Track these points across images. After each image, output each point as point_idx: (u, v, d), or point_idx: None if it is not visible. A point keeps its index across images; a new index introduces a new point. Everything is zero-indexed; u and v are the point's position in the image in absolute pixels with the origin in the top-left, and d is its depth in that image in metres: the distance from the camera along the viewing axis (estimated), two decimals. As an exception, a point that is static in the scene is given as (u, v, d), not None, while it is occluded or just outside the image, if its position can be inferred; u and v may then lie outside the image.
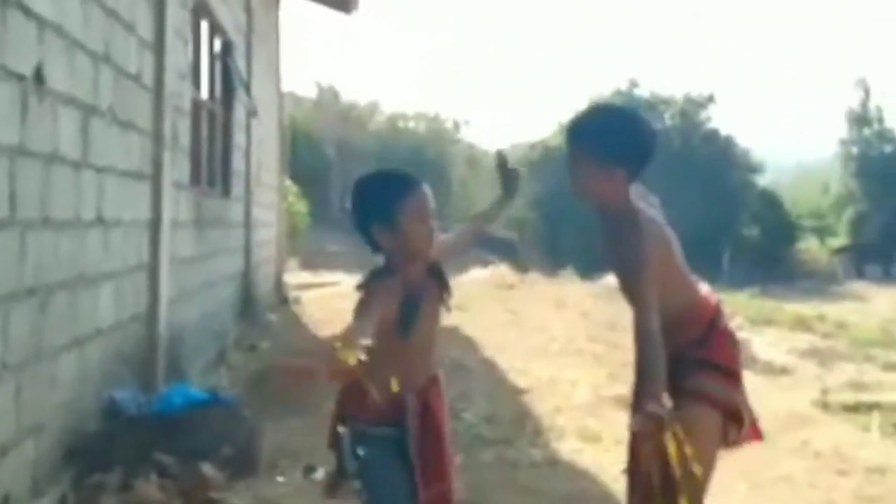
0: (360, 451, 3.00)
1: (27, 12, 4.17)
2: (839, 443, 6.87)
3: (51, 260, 4.52)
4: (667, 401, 3.23)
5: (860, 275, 43.62)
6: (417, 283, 2.99)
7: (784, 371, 10.35)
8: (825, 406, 8.37)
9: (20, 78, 4.11)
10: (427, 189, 3.04)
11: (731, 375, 3.58)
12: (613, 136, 3.40)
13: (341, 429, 3.07)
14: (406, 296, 2.92)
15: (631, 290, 3.37)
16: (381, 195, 2.98)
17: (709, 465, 3.49)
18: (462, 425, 6.91)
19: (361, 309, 2.86)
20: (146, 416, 5.18)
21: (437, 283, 3.09)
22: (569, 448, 6.63)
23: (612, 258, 3.49)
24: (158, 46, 6.71)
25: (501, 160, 3.63)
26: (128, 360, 5.92)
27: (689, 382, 3.49)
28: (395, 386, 2.90)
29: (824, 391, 8.90)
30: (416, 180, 3.05)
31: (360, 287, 2.97)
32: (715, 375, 3.54)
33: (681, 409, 3.41)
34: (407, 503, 2.98)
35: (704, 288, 3.70)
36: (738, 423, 3.57)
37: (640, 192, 3.56)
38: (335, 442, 3.13)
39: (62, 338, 4.69)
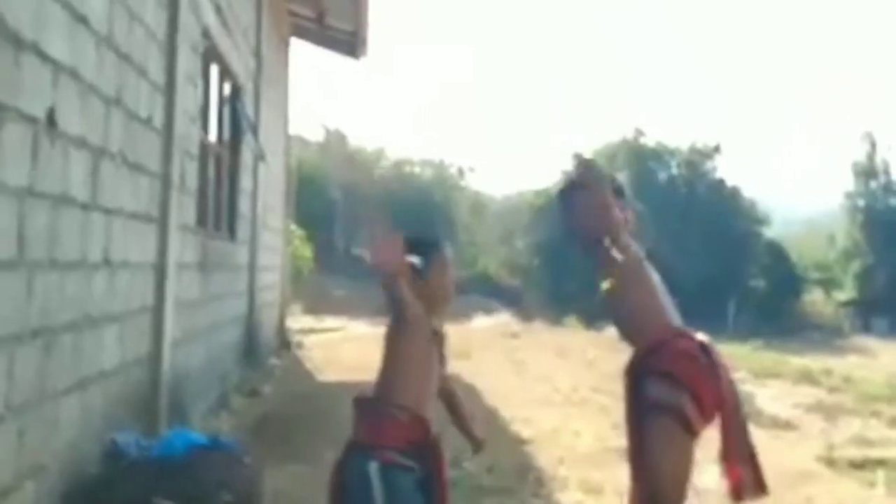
0: (387, 483, 3.15)
1: (43, 57, 4.20)
2: (844, 500, 6.81)
3: (57, 301, 4.51)
4: None
5: (866, 328, 43.52)
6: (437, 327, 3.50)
7: (789, 425, 10.28)
8: (830, 462, 8.30)
9: (33, 120, 4.13)
10: (449, 250, 3.69)
11: (677, 381, 3.82)
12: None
13: (370, 460, 3.19)
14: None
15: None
16: (414, 249, 3.51)
17: (677, 477, 3.75)
18: (463, 475, 6.86)
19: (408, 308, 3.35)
20: (147, 460, 5.14)
21: (439, 343, 3.54)
22: (571, 500, 6.58)
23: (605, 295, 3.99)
24: (169, 90, 6.76)
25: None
26: (130, 403, 5.90)
27: (639, 391, 3.84)
28: (411, 399, 3.30)
29: (830, 447, 8.83)
30: (441, 241, 3.73)
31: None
32: (659, 381, 3.81)
33: (642, 420, 3.83)
34: None
35: (677, 323, 4.06)
36: (688, 429, 3.77)
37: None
38: (348, 472, 3.23)
39: (66, 380, 4.68)
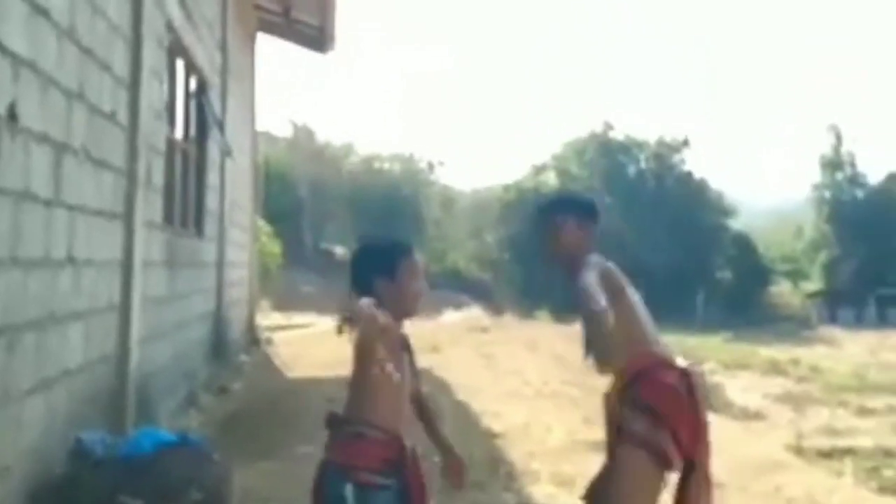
0: (366, 503, 3.14)
1: (2, 49, 4.13)
2: (812, 489, 6.85)
3: (20, 299, 4.44)
4: None
5: (833, 319, 43.92)
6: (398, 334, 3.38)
7: (758, 416, 10.36)
8: (799, 451, 8.36)
9: (-8, 115, 4.06)
10: (420, 256, 3.57)
11: (658, 417, 3.75)
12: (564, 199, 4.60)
13: (345, 482, 3.15)
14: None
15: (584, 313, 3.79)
16: (385, 252, 3.48)
17: None
18: (434, 468, 6.83)
19: (363, 343, 3.11)
20: (114, 459, 5.08)
21: (409, 354, 3.51)
22: (543, 493, 6.57)
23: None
24: (133, 85, 6.68)
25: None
26: (96, 402, 5.83)
27: (623, 418, 3.82)
28: (383, 416, 3.23)
29: (798, 436, 8.89)
30: (409, 245, 3.57)
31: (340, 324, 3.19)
32: (640, 414, 3.77)
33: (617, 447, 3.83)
34: None
35: (664, 348, 4.05)
36: (664, 465, 3.76)
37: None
38: (324, 496, 3.21)
39: (30, 379, 4.61)
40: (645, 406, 3.76)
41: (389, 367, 3.05)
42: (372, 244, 3.68)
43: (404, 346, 3.45)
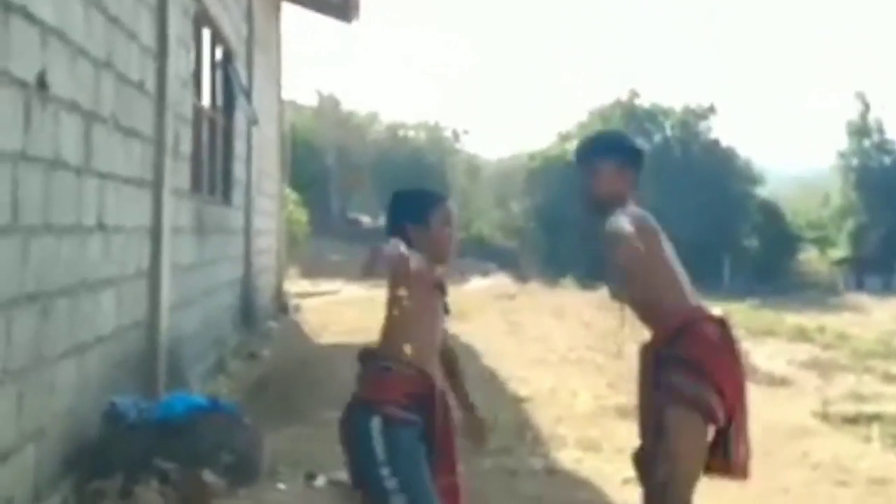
0: (388, 438, 3.15)
1: (30, 18, 4.17)
2: (839, 454, 6.86)
3: (52, 266, 4.51)
4: None
5: (860, 286, 43.62)
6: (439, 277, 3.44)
7: (784, 382, 10.35)
8: (825, 417, 8.35)
9: (23, 84, 4.11)
10: (454, 205, 3.57)
11: (703, 374, 3.68)
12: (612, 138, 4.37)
13: (372, 416, 3.19)
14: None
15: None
16: (418, 199, 3.51)
17: (693, 465, 3.69)
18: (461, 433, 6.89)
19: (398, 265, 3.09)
20: (147, 423, 5.17)
21: (441, 294, 3.47)
22: (569, 457, 6.62)
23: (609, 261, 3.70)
24: (160, 54, 6.72)
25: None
26: (128, 367, 5.92)
27: (662, 376, 3.71)
28: (414, 352, 3.25)
29: (825, 402, 8.88)
30: (446, 195, 3.61)
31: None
32: (688, 373, 3.67)
33: (659, 405, 3.70)
34: (432, 491, 3.18)
35: (695, 299, 3.92)
36: (712, 421, 3.70)
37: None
38: (351, 428, 3.26)
39: (63, 344, 4.69)
40: (689, 363, 3.69)
41: (405, 297, 3.16)
42: (405, 192, 3.67)
43: (440, 288, 3.45)
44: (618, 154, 4.05)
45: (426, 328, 3.32)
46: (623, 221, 3.51)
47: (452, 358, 3.66)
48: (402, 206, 3.52)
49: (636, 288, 3.89)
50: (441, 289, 3.46)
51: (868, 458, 6.90)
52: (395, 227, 3.39)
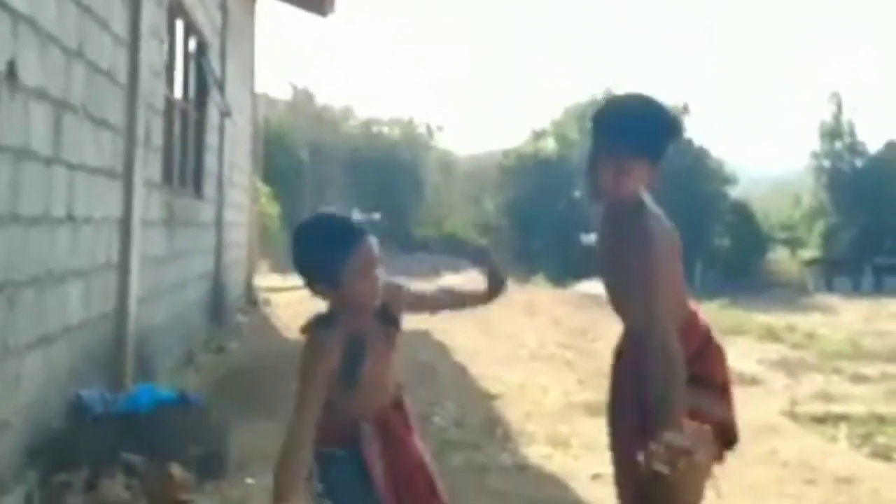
0: (326, 474, 3.01)
1: (1, 5, 4.12)
2: (807, 453, 6.90)
3: (19, 256, 4.46)
4: (688, 428, 2.95)
5: (830, 287, 43.98)
6: (363, 329, 2.91)
7: (754, 381, 10.38)
8: (794, 416, 8.40)
9: (-8, 71, 4.06)
10: (370, 240, 2.88)
11: (724, 391, 3.35)
12: (642, 125, 3.22)
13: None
14: (348, 345, 2.86)
15: (639, 298, 3.03)
16: (323, 252, 2.85)
17: (701, 486, 3.19)
18: (432, 429, 6.89)
19: (303, 385, 2.83)
20: (113, 415, 5.13)
21: (385, 323, 3.00)
22: (538, 453, 6.62)
23: (611, 263, 3.27)
24: (133, 44, 6.67)
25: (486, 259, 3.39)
26: (95, 359, 5.87)
27: (692, 398, 3.10)
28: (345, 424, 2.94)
29: (793, 402, 8.93)
30: (359, 231, 2.88)
31: (303, 331, 2.95)
32: (708, 391, 3.27)
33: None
34: None
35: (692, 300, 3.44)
36: (727, 443, 3.34)
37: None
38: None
39: (29, 335, 4.64)
40: (709, 381, 3.26)
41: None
42: (306, 238, 2.96)
43: (383, 330, 2.99)
44: (656, 150, 3.25)
45: (366, 394, 2.96)
46: (653, 238, 3.08)
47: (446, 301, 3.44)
48: (306, 257, 2.92)
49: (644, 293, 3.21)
50: (386, 316, 3.00)
51: (835, 457, 6.95)
52: (304, 281, 2.94)
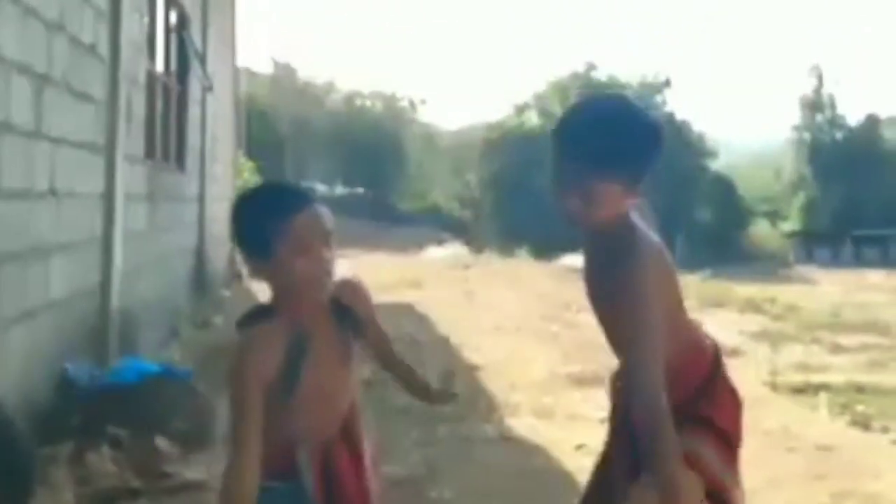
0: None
1: (-20, -23, 4.10)
2: (788, 422, 6.98)
3: (2, 231, 4.45)
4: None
5: (810, 259, 44.29)
6: (311, 326, 2.36)
7: (735, 352, 10.45)
8: (774, 387, 8.48)
9: (-28, 44, 4.04)
10: (320, 209, 2.34)
11: (730, 446, 2.72)
12: (609, 139, 2.49)
13: None
14: (290, 347, 2.32)
15: (628, 334, 2.51)
16: (257, 219, 2.31)
17: None
18: (416, 402, 6.93)
19: (236, 393, 2.27)
20: (98, 389, 5.14)
21: (343, 326, 2.44)
22: (523, 424, 6.67)
23: (602, 292, 2.69)
24: (114, 17, 6.63)
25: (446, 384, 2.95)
26: (80, 334, 5.87)
27: (683, 440, 2.50)
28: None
29: (774, 372, 9.02)
30: (303, 197, 2.35)
31: (238, 327, 2.40)
32: (713, 440, 2.67)
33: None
34: None
35: (698, 325, 2.85)
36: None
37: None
38: None
39: (13, 310, 4.64)
40: (715, 428, 2.68)
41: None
42: (242, 205, 2.44)
43: (338, 333, 2.43)
44: (630, 173, 2.55)
45: (311, 406, 2.37)
46: (644, 271, 2.52)
47: (398, 364, 2.85)
48: (239, 235, 2.40)
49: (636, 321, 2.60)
50: (342, 313, 2.44)
51: (815, 425, 7.03)
52: (243, 258, 2.43)
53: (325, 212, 2.35)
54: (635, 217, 2.66)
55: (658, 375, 2.43)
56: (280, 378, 2.30)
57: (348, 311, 2.45)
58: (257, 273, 2.35)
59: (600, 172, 2.48)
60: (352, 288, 2.51)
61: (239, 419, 2.27)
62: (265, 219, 2.28)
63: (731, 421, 2.74)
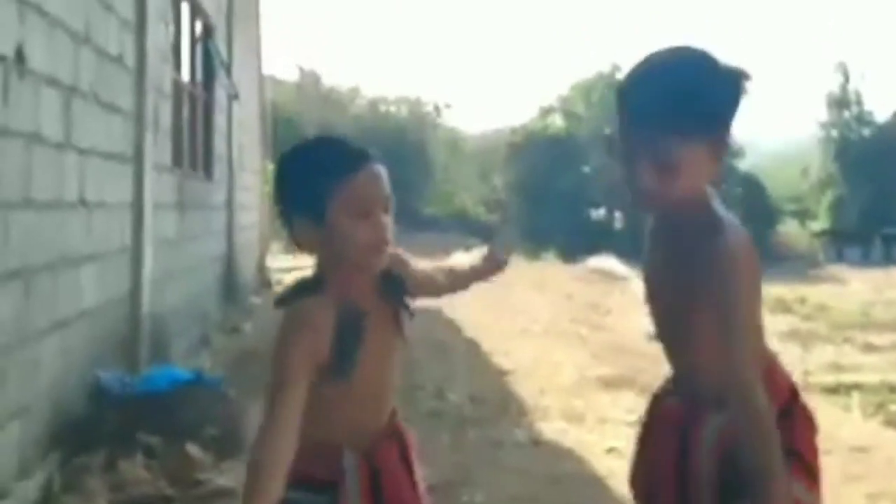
0: None
1: (8, -9, 4.13)
2: (822, 423, 6.85)
3: (33, 242, 4.49)
4: None
5: (839, 258, 43.94)
6: (361, 301, 2.08)
7: (765, 353, 10.44)
8: (806, 387, 8.42)
9: (1, 58, 4.07)
10: (378, 168, 2.07)
11: (815, 477, 2.36)
12: (688, 91, 2.13)
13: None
14: (342, 324, 2.03)
15: (719, 336, 2.13)
16: (307, 177, 2.04)
17: None
18: (447, 406, 6.94)
19: (279, 375, 1.99)
20: (131, 397, 5.17)
21: (392, 299, 2.16)
22: (553, 428, 6.65)
23: (673, 284, 2.30)
24: (139, 27, 6.67)
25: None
26: (111, 342, 5.91)
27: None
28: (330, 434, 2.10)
29: (805, 373, 8.95)
30: (362, 154, 2.07)
31: (278, 304, 2.12)
32: (800, 472, 2.29)
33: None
34: None
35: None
36: None
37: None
38: None
39: (45, 320, 4.67)
40: (800, 457, 2.31)
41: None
42: (291, 158, 2.14)
43: (389, 308, 2.16)
44: (714, 128, 2.19)
45: (361, 397, 2.10)
46: (735, 262, 2.19)
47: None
48: (284, 194, 2.12)
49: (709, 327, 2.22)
50: (394, 288, 2.16)
51: (849, 426, 6.97)
52: (285, 222, 2.12)
53: (384, 172, 2.09)
54: (717, 202, 2.35)
55: (760, 383, 2.11)
56: (333, 359, 2.02)
57: (400, 282, 2.18)
58: (303, 240, 2.07)
59: (681, 133, 2.11)
60: (396, 255, 2.20)
61: (279, 388, 1.97)
62: (318, 177, 2.01)
63: (814, 454, 2.38)
